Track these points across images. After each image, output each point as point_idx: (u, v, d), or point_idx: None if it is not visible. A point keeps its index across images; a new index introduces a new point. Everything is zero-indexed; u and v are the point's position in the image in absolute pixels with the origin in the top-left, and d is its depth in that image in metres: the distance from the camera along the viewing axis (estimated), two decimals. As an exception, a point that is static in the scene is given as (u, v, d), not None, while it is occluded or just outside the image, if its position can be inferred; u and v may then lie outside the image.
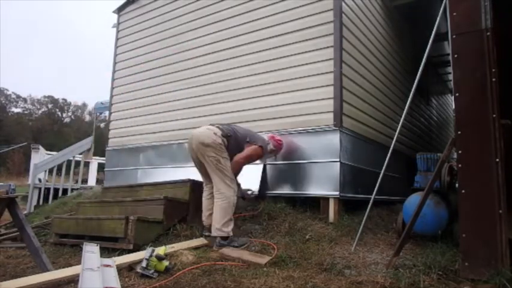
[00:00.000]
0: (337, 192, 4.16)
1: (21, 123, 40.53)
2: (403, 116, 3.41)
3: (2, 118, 37.29)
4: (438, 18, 3.29)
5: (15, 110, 44.41)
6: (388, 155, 3.39)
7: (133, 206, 4.14)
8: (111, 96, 7.01)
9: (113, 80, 6.99)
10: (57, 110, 48.18)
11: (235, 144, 3.80)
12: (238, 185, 3.94)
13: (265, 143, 4.04)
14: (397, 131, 3.43)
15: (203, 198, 3.89)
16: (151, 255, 2.88)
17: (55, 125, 43.92)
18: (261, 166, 4.64)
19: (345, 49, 4.50)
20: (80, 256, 2.93)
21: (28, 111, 45.75)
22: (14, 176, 22.96)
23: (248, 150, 3.85)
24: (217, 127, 3.75)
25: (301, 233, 3.69)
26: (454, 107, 2.86)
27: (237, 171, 3.83)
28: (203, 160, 3.64)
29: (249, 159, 3.93)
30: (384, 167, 3.35)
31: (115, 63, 7.03)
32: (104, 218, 3.83)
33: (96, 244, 3.08)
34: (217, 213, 3.50)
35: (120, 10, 7.12)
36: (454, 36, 2.77)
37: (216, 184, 3.60)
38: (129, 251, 3.37)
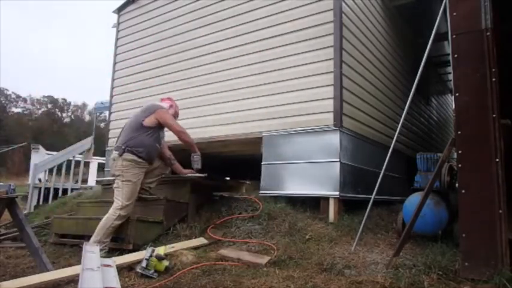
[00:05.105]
0: (337, 192, 4.16)
1: (21, 123, 40.47)
2: (403, 116, 3.41)
3: (2, 118, 37.23)
4: (438, 18, 3.29)
5: (15, 110, 44.37)
6: (388, 154, 3.38)
7: (133, 206, 4.13)
8: (111, 96, 7.01)
9: (113, 80, 6.99)
10: (57, 110, 48.10)
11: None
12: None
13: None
14: (397, 131, 3.43)
15: None
16: (151, 255, 2.88)
17: (55, 125, 43.83)
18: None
19: (345, 49, 4.50)
20: (80, 256, 2.93)
21: (28, 111, 45.69)
22: (14, 176, 22.91)
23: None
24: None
25: (301, 233, 3.68)
26: (454, 107, 2.86)
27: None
28: None
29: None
30: (384, 167, 3.35)
31: (115, 63, 7.03)
32: (104, 218, 3.82)
33: (96, 244, 3.08)
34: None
35: (120, 10, 7.12)
36: (454, 36, 2.77)
37: None
38: (129, 251, 3.37)
